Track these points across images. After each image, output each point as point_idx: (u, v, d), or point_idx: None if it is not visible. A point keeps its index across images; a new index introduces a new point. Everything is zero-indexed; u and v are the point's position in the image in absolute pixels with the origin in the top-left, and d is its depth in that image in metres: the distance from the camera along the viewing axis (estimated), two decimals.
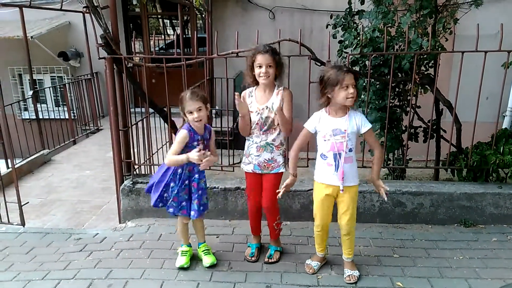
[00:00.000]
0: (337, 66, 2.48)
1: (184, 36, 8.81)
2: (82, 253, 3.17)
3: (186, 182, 2.77)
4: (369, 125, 2.57)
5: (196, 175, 2.77)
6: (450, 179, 4.16)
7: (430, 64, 3.90)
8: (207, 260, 2.92)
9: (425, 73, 3.89)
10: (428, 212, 3.46)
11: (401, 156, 4.08)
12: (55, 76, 8.24)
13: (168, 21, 10.36)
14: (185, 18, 8.92)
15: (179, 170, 2.73)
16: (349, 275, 2.73)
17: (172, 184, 2.75)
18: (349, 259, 2.78)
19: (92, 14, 3.19)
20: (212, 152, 2.82)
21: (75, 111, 7.37)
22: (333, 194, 2.62)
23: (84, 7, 3.26)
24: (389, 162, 4.16)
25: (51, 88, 7.45)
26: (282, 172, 2.85)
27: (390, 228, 3.42)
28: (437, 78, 3.58)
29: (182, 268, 2.86)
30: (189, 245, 3.01)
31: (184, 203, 2.79)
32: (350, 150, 2.53)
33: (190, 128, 2.68)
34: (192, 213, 2.78)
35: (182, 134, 2.66)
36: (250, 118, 2.78)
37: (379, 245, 3.17)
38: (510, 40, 3.30)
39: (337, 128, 2.51)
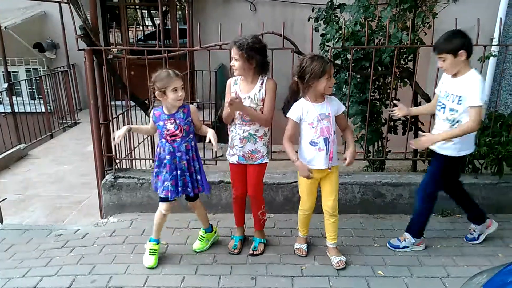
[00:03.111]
0: (318, 57, 2.57)
1: (164, 27, 8.68)
2: (63, 249, 3.12)
3: (165, 161, 2.72)
4: (344, 108, 2.77)
5: (168, 156, 2.69)
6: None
7: (409, 58, 3.97)
8: (197, 246, 3.03)
9: (405, 66, 3.97)
10: (407, 202, 3.54)
11: (380, 148, 4.16)
12: (30, 68, 7.99)
13: (146, 11, 10.18)
14: (164, 9, 8.79)
15: (159, 150, 2.74)
16: (338, 261, 2.80)
17: (156, 170, 2.79)
18: (334, 244, 2.86)
19: (71, 5, 3.11)
20: (199, 128, 2.81)
21: (51, 104, 7.19)
22: (319, 177, 2.74)
23: None
24: (369, 154, 4.24)
25: (26, 81, 7.22)
26: (266, 163, 2.88)
27: (371, 218, 3.50)
28: (415, 72, 3.65)
29: (151, 268, 2.82)
30: (158, 242, 2.93)
31: (166, 183, 2.72)
32: (334, 132, 2.68)
33: (159, 108, 2.68)
34: (168, 194, 2.73)
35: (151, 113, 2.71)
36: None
37: (360, 235, 3.24)
38: (485, 34, 3.38)
39: (322, 113, 2.62)
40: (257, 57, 2.63)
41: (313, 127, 2.63)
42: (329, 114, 2.63)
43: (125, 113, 3.76)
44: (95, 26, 3.34)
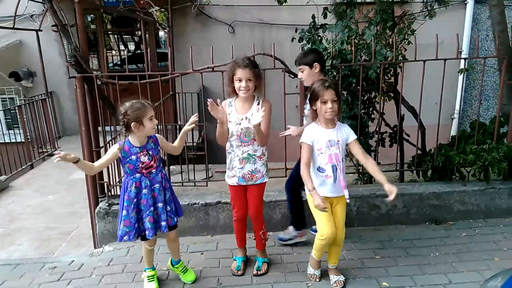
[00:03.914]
0: (320, 81, 2.59)
1: (138, 51, 8.68)
2: (60, 282, 3.01)
3: (135, 200, 2.60)
4: (355, 136, 2.69)
5: (145, 190, 2.61)
6: (414, 180, 4.39)
7: (391, 73, 4.14)
8: (189, 277, 2.92)
9: (388, 81, 4.12)
10: (401, 212, 3.63)
11: None
12: (6, 98, 7.79)
13: (118, 36, 10.19)
14: (139, 33, 8.82)
15: (129, 188, 2.60)
16: (336, 281, 2.79)
17: (124, 212, 2.62)
18: (334, 266, 2.86)
19: (61, 33, 3.10)
20: (172, 148, 2.82)
21: (29, 134, 6.99)
22: (330, 203, 2.67)
23: (53, 26, 3.16)
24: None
25: (4, 110, 7.03)
26: (265, 182, 2.89)
27: (368, 230, 3.55)
28: (402, 87, 3.79)
29: None
30: (154, 268, 2.91)
31: (137, 225, 2.63)
32: (342, 160, 2.63)
33: (125, 142, 2.58)
34: (147, 232, 2.63)
35: (114, 147, 2.60)
36: (228, 126, 2.78)
37: (361, 248, 3.28)
38: (450, 49, 3.59)
39: (331, 139, 2.60)
40: (261, 74, 2.73)
41: (321, 153, 2.60)
42: (338, 141, 2.60)
43: (115, 138, 3.72)
44: (86, 54, 3.33)
